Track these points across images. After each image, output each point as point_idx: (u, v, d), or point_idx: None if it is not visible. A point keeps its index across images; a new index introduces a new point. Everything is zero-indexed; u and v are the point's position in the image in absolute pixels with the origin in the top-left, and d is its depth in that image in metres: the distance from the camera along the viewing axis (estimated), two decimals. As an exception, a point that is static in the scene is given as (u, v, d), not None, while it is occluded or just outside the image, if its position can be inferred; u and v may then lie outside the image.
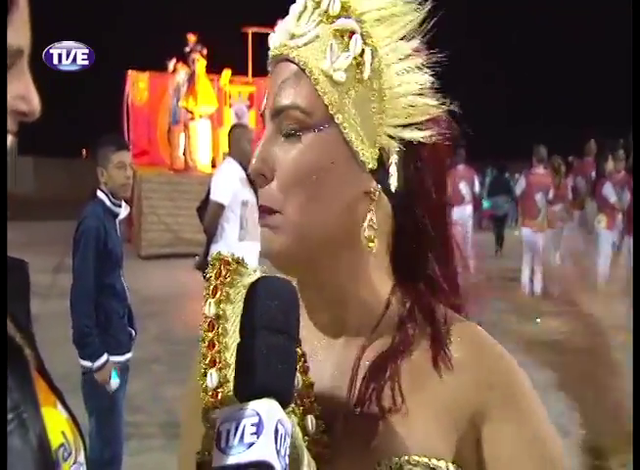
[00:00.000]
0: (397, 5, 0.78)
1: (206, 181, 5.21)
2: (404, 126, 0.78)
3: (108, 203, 3.23)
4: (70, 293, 3.14)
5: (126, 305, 3.29)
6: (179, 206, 12.43)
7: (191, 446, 0.81)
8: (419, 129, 0.78)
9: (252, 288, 0.71)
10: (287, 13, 0.80)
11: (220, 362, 0.79)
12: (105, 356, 3.15)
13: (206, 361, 0.80)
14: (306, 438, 0.76)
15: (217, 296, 0.82)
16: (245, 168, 4.70)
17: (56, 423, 0.73)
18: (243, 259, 0.87)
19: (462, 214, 10.36)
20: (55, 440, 0.70)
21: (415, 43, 0.79)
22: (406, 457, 0.76)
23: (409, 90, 0.78)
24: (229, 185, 4.64)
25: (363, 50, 0.76)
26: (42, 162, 38.14)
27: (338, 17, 0.76)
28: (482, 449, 0.79)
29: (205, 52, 14.02)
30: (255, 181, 0.79)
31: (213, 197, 4.66)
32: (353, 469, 0.77)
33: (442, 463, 0.77)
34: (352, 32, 0.76)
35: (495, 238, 14.35)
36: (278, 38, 0.79)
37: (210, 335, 0.81)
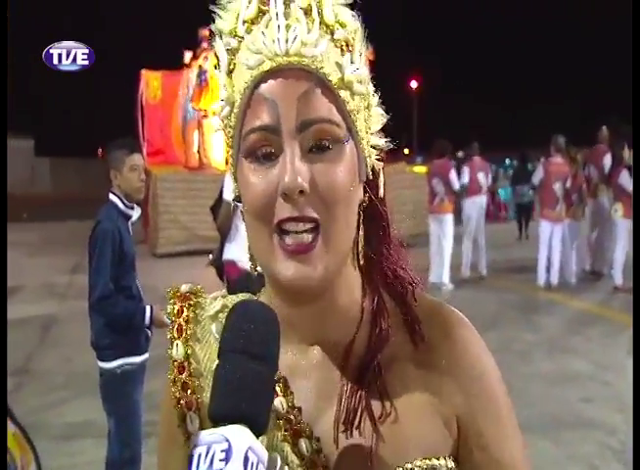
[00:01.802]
0: (354, 17, 0.78)
1: (221, 178, 5.22)
2: (373, 134, 0.81)
3: (121, 205, 3.26)
4: (90, 296, 3.14)
5: (142, 306, 3.29)
6: (194, 203, 12.48)
7: None
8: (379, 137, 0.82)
9: (231, 312, 0.70)
10: None
11: (198, 405, 0.78)
12: (147, 311, 3.22)
13: (182, 404, 0.79)
14: (303, 462, 0.76)
15: (184, 335, 0.81)
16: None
17: None
18: (199, 289, 0.86)
19: (480, 205, 10.35)
20: None
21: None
22: (409, 465, 0.75)
23: (375, 99, 0.81)
24: (242, 184, 4.63)
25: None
26: (59, 162, 38.46)
27: (333, 27, 0.74)
28: (461, 444, 0.80)
29: (216, 49, 13.99)
30: (290, 199, 0.71)
31: (227, 196, 4.63)
32: None
33: (442, 461, 0.77)
34: (348, 44, 0.75)
35: (519, 225, 15.24)
36: (284, 46, 0.72)
37: (182, 377, 0.80)
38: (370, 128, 0.80)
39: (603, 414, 4.80)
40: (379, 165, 0.81)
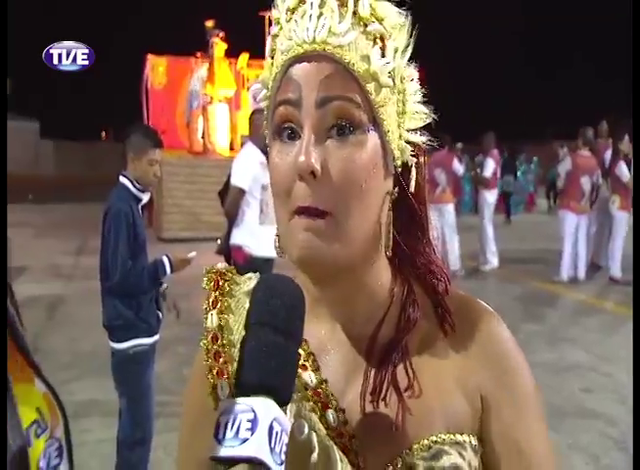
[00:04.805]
0: (399, 13, 0.79)
1: (225, 164, 5.27)
2: (411, 131, 0.82)
3: (132, 188, 3.27)
4: (108, 278, 3.15)
5: (157, 259, 3.30)
6: (199, 189, 12.58)
7: (195, 452, 0.82)
8: (420, 134, 0.82)
9: (258, 285, 0.71)
10: None
11: (228, 374, 0.80)
12: (166, 261, 3.26)
13: (214, 373, 0.81)
14: (330, 431, 0.78)
15: (218, 306, 0.83)
16: (265, 153, 4.73)
17: (31, 400, 0.76)
18: (234, 270, 0.88)
19: (494, 198, 10.51)
20: (28, 417, 0.73)
21: (409, 50, 0.81)
22: (434, 438, 0.77)
23: (416, 98, 0.82)
24: (249, 170, 4.68)
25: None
26: (63, 144, 38.54)
27: (367, 20, 0.76)
28: (485, 431, 0.82)
29: (223, 35, 14.05)
30: (303, 179, 0.74)
31: (234, 182, 4.70)
32: (382, 456, 0.78)
33: (466, 437, 0.79)
34: (383, 38, 0.77)
35: (506, 212, 17.10)
36: (312, 34, 0.75)
37: (215, 347, 0.81)
38: (404, 123, 0.81)
39: (603, 404, 4.84)
40: (412, 160, 0.82)
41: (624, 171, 9.00)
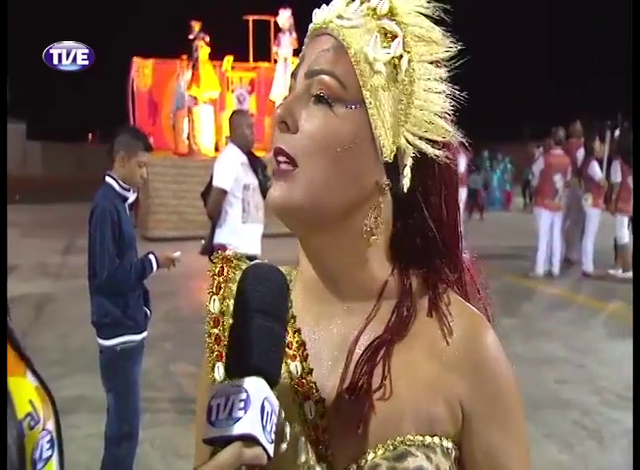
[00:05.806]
0: (436, 32, 0.82)
1: (210, 165, 5.33)
2: (420, 138, 0.81)
3: (117, 187, 3.29)
4: (95, 276, 3.18)
5: (142, 285, 3.36)
6: (185, 189, 12.71)
7: None
8: (432, 146, 0.81)
9: (244, 273, 0.74)
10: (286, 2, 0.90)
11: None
12: (152, 259, 3.34)
13: (214, 356, 0.82)
14: (305, 423, 0.79)
15: (221, 292, 0.85)
16: (245, 153, 4.85)
17: (24, 392, 0.78)
18: (243, 256, 0.90)
19: (464, 195, 10.70)
20: (21, 409, 0.75)
21: (442, 72, 0.83)
22: (400, 438, 0.77)
23: (432, 108, 0.81)
24: (231, 171, 4.76)
25: (401, 55, 0.79)
26: (50, 146, 38.40)
27: (384, 17, 0.80)
28: (464, 441, 0.82)
29: (207, 39, 14.19)
30: (277, 126, 0.80)
31: (216, 183, 4.77)
32: (348, 453, 0.78)
33: (437, 440, 0.78)
34: (394, 36, 0.79)
35: (474, 207, 17.87)
36: (323, 15, 0.82)
37: (216, 331, 0.83)
38: (406, 124, 0.80)
39: (577, 395, 4.99)
40: (408, 162, 0.82)
41: (596, 171, 9.28)
